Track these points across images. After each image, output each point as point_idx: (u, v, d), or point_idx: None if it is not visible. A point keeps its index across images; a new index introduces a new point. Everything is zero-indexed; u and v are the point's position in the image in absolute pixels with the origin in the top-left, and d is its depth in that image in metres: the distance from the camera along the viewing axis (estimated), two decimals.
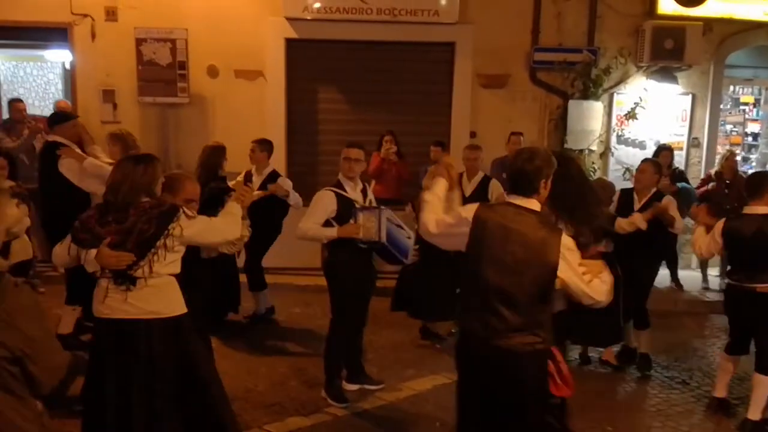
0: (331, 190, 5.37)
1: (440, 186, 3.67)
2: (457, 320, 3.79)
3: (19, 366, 2.42)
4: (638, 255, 6.00)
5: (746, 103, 11.72)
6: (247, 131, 9.23)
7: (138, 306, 3.67)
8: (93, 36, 9.13)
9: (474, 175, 7.07)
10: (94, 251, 3.63)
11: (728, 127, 11.50)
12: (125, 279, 3.65)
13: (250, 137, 9.18)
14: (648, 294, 6.39)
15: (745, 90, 11.49)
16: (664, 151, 8.52)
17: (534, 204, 3.34)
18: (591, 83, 9.22)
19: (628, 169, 9.25)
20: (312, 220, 5.31)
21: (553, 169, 3.36)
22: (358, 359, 5.85)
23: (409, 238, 5.68)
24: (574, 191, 3.54)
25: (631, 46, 9.41)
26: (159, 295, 3.73)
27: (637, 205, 6.15)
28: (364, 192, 5.55)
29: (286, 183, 7.26)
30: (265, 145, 7.47)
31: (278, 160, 9.36)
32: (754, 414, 5.20)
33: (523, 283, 3.21)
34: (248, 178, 7.17)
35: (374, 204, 5.59)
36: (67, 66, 10.14)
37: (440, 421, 5.27)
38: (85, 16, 9.07)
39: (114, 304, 3.68)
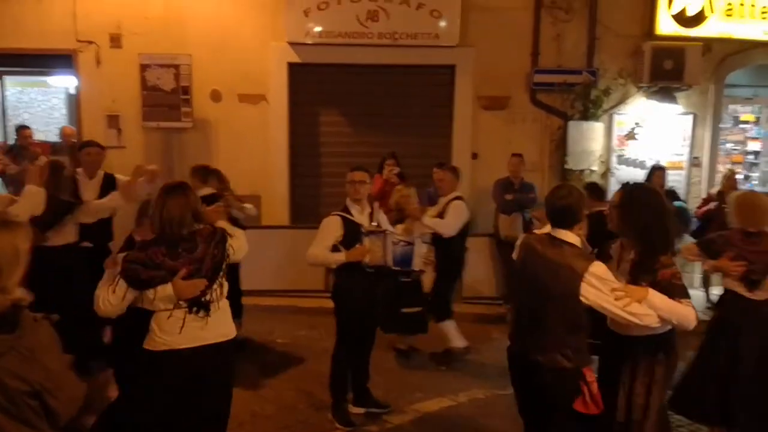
0: (338, 215, 5.45)
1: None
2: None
3: (38, 400, 2.46)
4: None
5: (746, 122, 11.75)
6: (250, 155, 9.38)
7: (214, 330, 3.82)
8: (98, 62, 9.24)
9: (445, 195, 7.04)
10: (165, 287, 3.66)
11: (729, 145, 11.52)
12: (201, 306, 3.76)
13: (254, 161, 9.36)
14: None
15: (746, 109, 11.53)
16: (657, 171, 8.61)
17: (570, 236, 3.68)
18: (591, 104, 9.28)
19: None
20: (320, 245, 5.40)
21: (584, 203, 3.77)
22: (364, 382, 5.88)
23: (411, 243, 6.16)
24: (656, 222, 3.74)
25: (630, 67, 9.48)
26: (225, 317, 3.93)
27: (440, 209, 6.90)
28: (371, 215, 5.60)
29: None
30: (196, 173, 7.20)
31: (281, 183, 9.49)
32: None
33: (548, 307, 3.58)
34: None
35: (382, 227, 5.65)
36: (72, 91, 10.26)
37: None
38: (90, 42, 9.18)
39: (193, 333, 3.75)
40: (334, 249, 5.39)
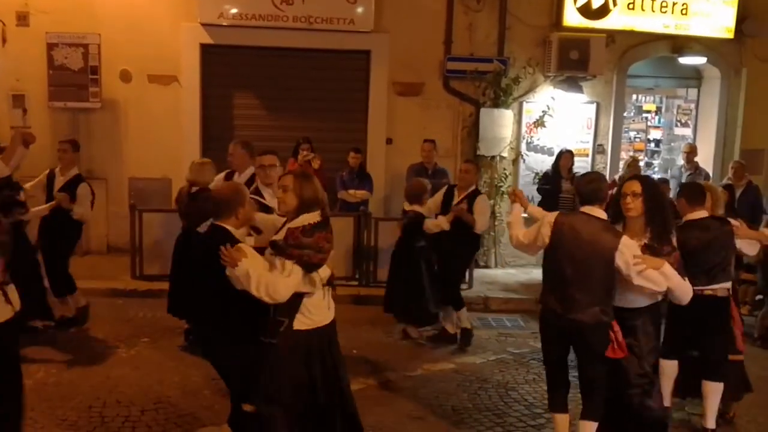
0: (250, 198, 5.43)
1: (517, 209, 5.11)
2: (539, 300, 4.62)
3: None
4: (447, 249, 6.90)
5: (648, 111, 12.29)
6: (161, 137, 9.25)
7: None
8: (3, 40, 8.94)
9: (465, 188, 7.07)
10: (326, 269, 3.90)
11: (632, 134, 12.05)
12: (333, 285, 4.03)
13: (164, 143, 9.22)
14: (457, 282, 7.31)
15: (648, 98, 12.05)
16: (565, 153, 9.13)
17: (600, 212, 4.37)
18: (501, 92, 9.53)
19: (537, 174, 9.64)
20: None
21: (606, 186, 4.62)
22: None
23: None
24: (666, 209, 4.51)
25: (538, 57, 9.79)
26: None
27: (455, 201, 6.95)
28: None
29: (83, 191, 6.83)
30: (76, 146, 7.04)
31: None
32: (711, 422, 5.16)
33: (591, 273, 4.23)
34: (51, 178, 6.82)
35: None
36: None
37: None
38: None
39: (329, 309, 4.05)
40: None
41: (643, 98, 11.81)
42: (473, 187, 7.03)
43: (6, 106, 9.06)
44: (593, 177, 4.63)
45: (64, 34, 8.89)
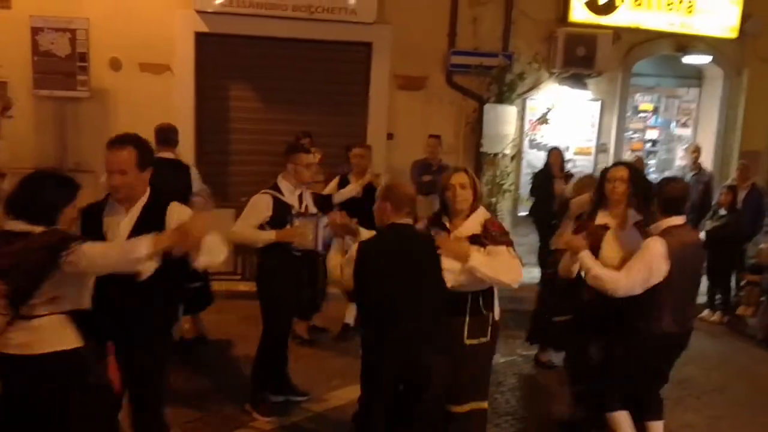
0: (269, 194, 5.16)
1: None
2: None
3: None
4: None
5: (645, 111, 12.13)
6: (152, 128, 8.77)
7: None
8: None
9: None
10: None
11: (628, 133, 11.88)
12: None
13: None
14: None
15: (645, 98, 11.89)
16: (554, 150, 8.94)
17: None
18: (506, 88, 9.28)
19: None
20: (246, 223, 5.12)
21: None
22: (284, 370, 5.61)
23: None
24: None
25: (544, 53, 9.56)
26: None
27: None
28: (300, 197, 5.34)
29: None
30: None
31: (186, 159, 8.95)
32: None
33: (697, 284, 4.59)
34: None
35: (310, 209, 5.41)
36: None
37: None
38: None
39: None
40: (260, 228, 5.11)
41: (640, 98, 11.64)
42: (369, 172, 6.81)
43: None
44: (681, 185, 4.52)
45: (49, 18, 8.41)
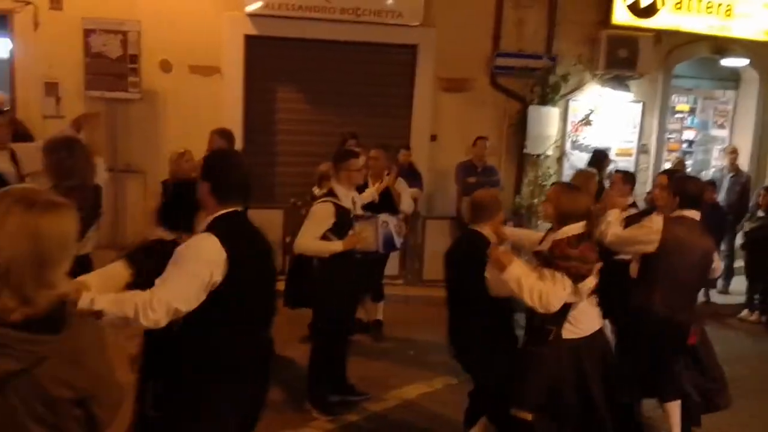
0: (330, 202, 5.19)
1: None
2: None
3: (83, 408, 2.13)
4: None
5: (681, 112, 12.17)
6: (201, 130, 8.85)
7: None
8: (36, 24, 8.52)
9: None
10: (591, 279, 3.87)
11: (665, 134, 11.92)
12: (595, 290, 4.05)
13: (205, 137, 8.84)
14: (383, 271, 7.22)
15: (681, 99, 11.93)
16: (605, 159, 8.89)
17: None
18: (549, 89, 9.34)
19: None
20: (312, 234, 5.13)
21: None
22: (342, 369, 5.69)
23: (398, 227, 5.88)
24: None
25: (586, 54, 9.61)
26: None
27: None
28: (353, 200, 5.41)
29: None
30: None
31: None
32: None
33: (700, 275, 4.82)
34: None
35: (361, 212, 5.51)
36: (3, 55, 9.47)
37: (429, 430, 5.32)
38: (28, 3, 8.45)
39: (596, 316, 4.09)
40: (324, 237, 5.13)
41: (677, 98, 11.67)
42: (387, 173, 6.80)
43: (38, 94, 8.65)
44: (700, 183, 5.02)
45: (102, 20, 8.49)
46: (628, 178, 6.85)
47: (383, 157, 6.90)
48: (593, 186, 6.73)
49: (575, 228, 3.90)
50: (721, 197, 9.44)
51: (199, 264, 2.85)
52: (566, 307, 3.90)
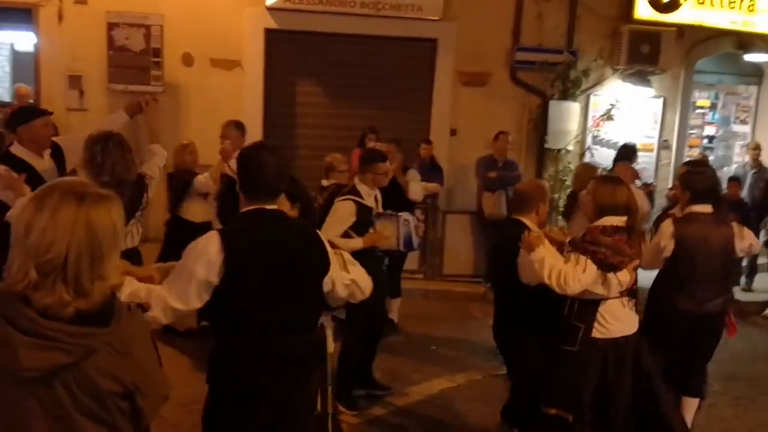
0: (351, 200, 5.18)
1: None
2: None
3: (129, 401, 2.15)
4: None
5: (702, 107, 12.08)
6: (222, 121, 8.92)
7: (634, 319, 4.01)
8: (60, 18, 8.61)
9: None
10: (624, 273, 3.77)
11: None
12: (633, 295, 3.93)
13: None
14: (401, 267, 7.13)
15: (702, 94, 11.84)
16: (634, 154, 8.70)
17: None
18: (570, 84, 9.31)
19: (605, 169, 9.42)
20: (333, 232, 5.03)
21: None
22: (369, 364, 5.71)
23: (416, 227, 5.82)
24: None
25: (608, 49, 9.57)
26: None
27: None
28: (376, 198, 5.42)
29: None
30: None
31: None
32: None
33: (726, 266, 4.71)
34: None
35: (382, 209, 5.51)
36: (18, 48, 9.59)
37: (454, 425, 5.29)
38: None
39: (629, 319, 3.92)
40: (345, 234, 5.12)
41: (698, 94, 11.59)
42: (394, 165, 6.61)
43: (62, 87, 8.76)
44: (711, 174, 4.88)
45: (125, 14, 8.61)
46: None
47: (395, 150, 6.86)
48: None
49: (614, 220, 3.82)
50: (744, 193, 9.35)
51: (197, 263, 2.75)
52: (595, 304, 3.80)
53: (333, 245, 3.59)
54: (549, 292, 3.78)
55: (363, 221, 5.17)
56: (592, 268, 3.70)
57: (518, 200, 4.48)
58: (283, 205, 3.35)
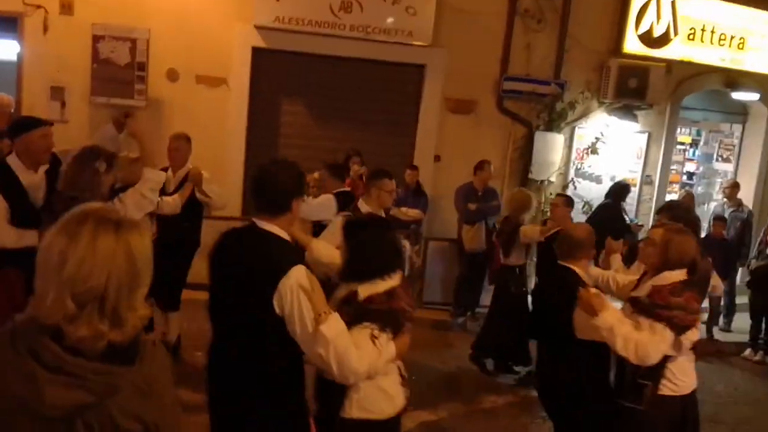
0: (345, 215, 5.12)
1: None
2: None
3: None
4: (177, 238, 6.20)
5: (683, 143, 12.15)
6: (205, 139, 8.82)
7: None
8: (45, 29, 8.48)
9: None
10: (694, 331, 3.69)
11: None
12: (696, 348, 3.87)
13: (208, 146, 8.81)
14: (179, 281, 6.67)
15: (684, 131, 11.90)
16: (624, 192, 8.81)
17: None
18: (556, 116, 9.31)
19: (587, 203, 9.42)
20: (328, 242, 5.00)
21: None
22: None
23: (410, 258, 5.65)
24: None
25: (595, 82, 9.58)
26: None
27: (172, 182, 6.38)
28: None
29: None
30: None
31: (236, 173, 9.06)
32: None
33: None
34: None
35: None
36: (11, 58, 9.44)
37: None
38: (38, 7, 8.41)
39: (694, 373, 3.86)
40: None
41: (680, 130, 11.66)
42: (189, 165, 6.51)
43: (44, 98, 8.60)
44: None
45: (112, 27, 8.48)
46: (569, 201, 7.12)
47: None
48: (529, 204, 7.05)
49: (678, 275, 3.64)
50: None
51: None
52: (663, 361, 3.63)
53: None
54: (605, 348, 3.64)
55: None
56: (669, 336, 3.52)
57: (569, 246, 4.14)
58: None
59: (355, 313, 2.95)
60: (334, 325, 2.77)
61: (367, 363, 2.86)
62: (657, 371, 3.63)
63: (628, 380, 3.69)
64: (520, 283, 6.99)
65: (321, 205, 5.82)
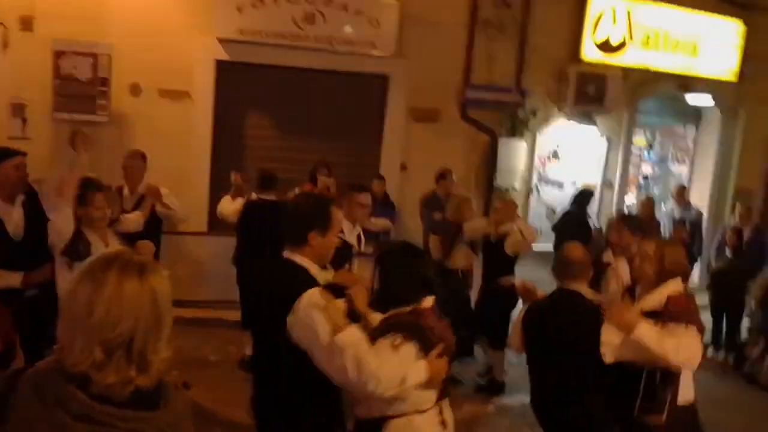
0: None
1: None
2: None
3: None
4: None
5: (638, 146, 12.42)
6: (169, 155, 8.78)
7: None
8: (5, 45, 8.34)
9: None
10: None
11: None
12: None
13: (173, 161, 8.78)
14: None
15: (638, 131, 12.15)
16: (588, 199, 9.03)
17: None
18: (518, 123, 9.47)
19: (552, 210, 9.61)
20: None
21: None
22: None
23: None
24: None
25: (555, 89, 9.77)
26: None
27: (130, 200, 6.66)
28: (359, 237, 5.39)
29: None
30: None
31: (201, 187, 9.02)
32: None
33: None
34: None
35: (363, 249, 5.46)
36: None
37: None
38: None
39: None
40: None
41: (636, 132, 11.91)
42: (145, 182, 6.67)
43: (5, 115, 8.47)
44: None
45: (73, 42, 8.38)
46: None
47: (139, 165, 6.85)
48: (468, 211, 7.10)
49: (680, 285, 3.68)
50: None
51: None
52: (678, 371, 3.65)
53: None
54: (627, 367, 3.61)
55: (340, 257, 5.08)
56: (699, 339, 3.57)
57: (570, 268, 3.98)
58: None
59: (381, 331, 2.97)
60: (351, 332, 2.81)
61: (388, 369, 2.80)
62: (673, 381, 3.64)
63: (650, 392, 3.65)
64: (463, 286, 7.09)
65: None
